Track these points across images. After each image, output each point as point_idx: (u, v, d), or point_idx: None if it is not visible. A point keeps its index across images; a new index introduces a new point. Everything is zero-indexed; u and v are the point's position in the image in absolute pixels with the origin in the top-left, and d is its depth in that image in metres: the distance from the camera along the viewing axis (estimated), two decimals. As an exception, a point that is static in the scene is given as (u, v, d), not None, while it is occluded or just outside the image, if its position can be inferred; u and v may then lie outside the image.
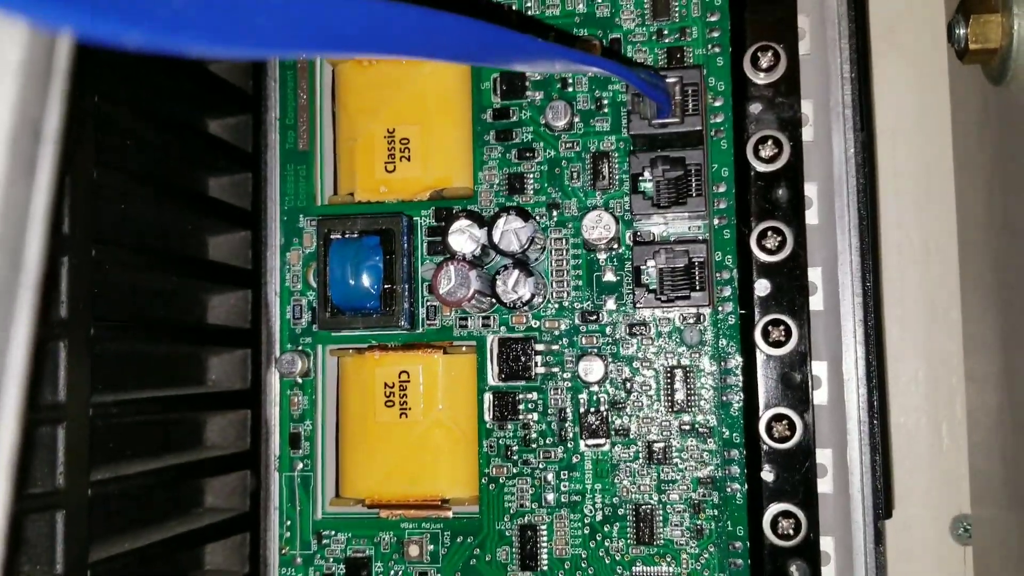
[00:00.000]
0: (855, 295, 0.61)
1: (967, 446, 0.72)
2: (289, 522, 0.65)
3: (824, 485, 0.61)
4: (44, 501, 0.50)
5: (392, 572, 0.63)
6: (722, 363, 0.61)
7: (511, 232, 0.58)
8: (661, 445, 0.61)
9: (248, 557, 0.69)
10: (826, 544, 0.60)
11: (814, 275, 0.62)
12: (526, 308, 0.61)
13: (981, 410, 0.71)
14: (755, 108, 0.61)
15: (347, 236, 0.62)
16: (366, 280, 0.61)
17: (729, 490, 0.61)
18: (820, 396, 0.62)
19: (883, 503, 0.61)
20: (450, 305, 0.59)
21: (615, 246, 0.62)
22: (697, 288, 0.59)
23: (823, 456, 0.61)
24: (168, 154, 0.64)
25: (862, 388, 0.61)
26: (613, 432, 0.61)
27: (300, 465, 0.65)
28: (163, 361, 0.65)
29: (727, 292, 0.61)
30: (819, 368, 0.62)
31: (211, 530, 0.67)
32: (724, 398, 0.61)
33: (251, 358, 0.69)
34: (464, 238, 0.58)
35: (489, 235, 0.58)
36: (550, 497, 0.62)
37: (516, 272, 0.59)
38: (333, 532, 0.64)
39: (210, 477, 0.69)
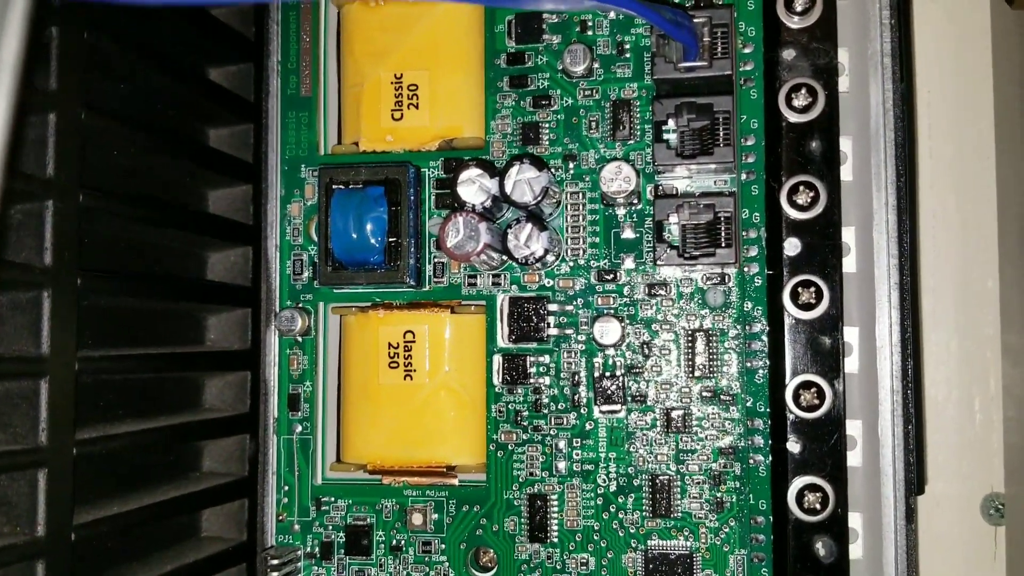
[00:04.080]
0: (890, 256, 0.58)
1: (1001, 422, 0.68)
2: (287, 487, 0.62)
3: (853, 458, 0.57)
4: (26, 459, 0.48)
5: (394, 541, 0.60)
6: (747, 327, 0.58)
7: (524, 182, 0.54)
8: (680, 413, 0.57)
9: (246, 524, 0.66)
10: (854, 521, 0.57)
11: (847, 235, 0.58)
12: (539, 265, 0.58)
13: (1018, 385, 0.67)
14: (788, 54, 0.57)
15: (350, 186, 0.58)
16: (369, 232, 0.57)
17: (752, 462, 0.57)
18: (851, 364, 0.58)
19: (915, 478, 0.57)
20: (458, 260, 0.56)
21: (635, 201, 0.58)
22: (723, 245, 0.55)
23: (853, 427, 0.58)
24: (165, 101, 0.61)
25: (896, 355, 0.57)
26: (629, 398, 0.58)
27: (299, 428, 0.62)
28: (158, 318, 0.61)
29: (754, 252, 0.58)
30: (851, 334, 0.58)
31: (207, 495, 0.64)
32: (748, 364, 0.58)
33: (251, 317, 0.66)
34: (474, 188, 0.55)
35: (501, 185, 0.54)
36: (561, 466, 0.58)
37: (529, 226, 0.55)
38: (333, 498, 0.61)
39: (207, 440, 0.66)
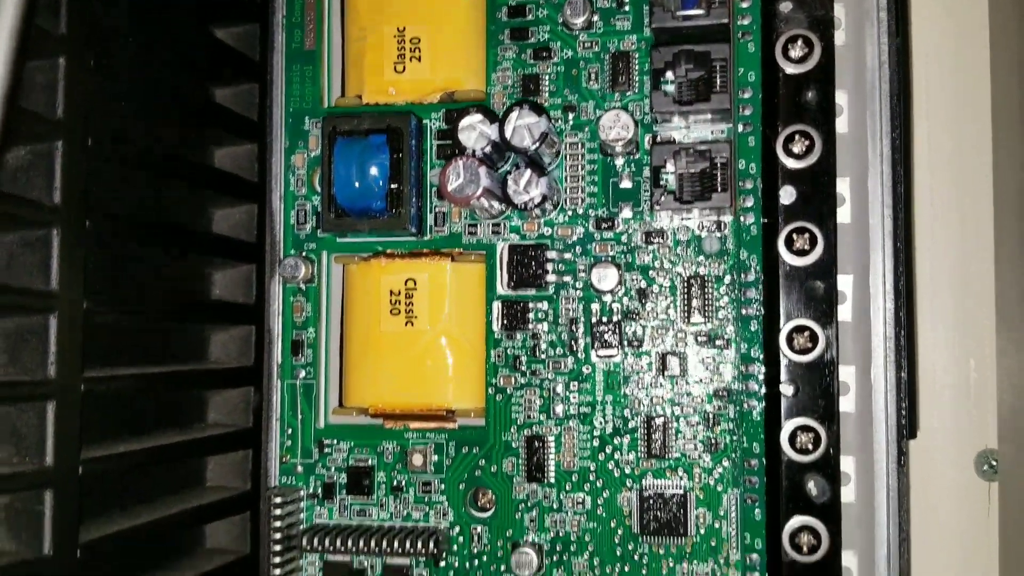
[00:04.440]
0: (885, 206, 0.58)
1: (995, 380, 0.69)
2: (291, 430, 0.63)
3: (846, 404, 0.58)
4: (34, 391, 0.49)
5: (395, 482, 0.61)
6: (743, 274, 0.59)
7: (523, 127, 0.55)
8: (676, 357, 0.58)
9: (250, 474, 0.67)
10: (847, 465, 0.58)
11: (842, 186, 0.59)
12: (538, 212, 0.59)
13: (1012, 344, 0.68)
14: (785, 7, 0.58)
15: (353, 134, 0.59)
16: (372, 178, 0.58)
17: (746, 406, 0.58)
18: (844, 312, 0.59)
19: (908, 422, 0.58)
20: (459, 204, 0.57)
21: (633, 150, 0.59)
22: (719, 190, 0.56)
23: (846, 374, 0.59)
24: (171, 59, 0.62)
25: (889, 302, 0.58)
26: (626, 343, 0.59)
27: (302, 374, 0.63)
28: (164, 271, 0.62)
29: (750, 203, 0.58)
30: (844, 282, 0.59)
31: (212, 443, 0.65)
32: (744, 311, 0.59)
33: (256, 273, 0.67)
34: (475, 134, 0.56)
35: (501, 130, 0.55)
36: (559, 409, 0.59)
37: (528, 172, 0.56)
38: (335, 441, 0.62)
39: (212, 391, 0.67)
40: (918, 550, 0.64)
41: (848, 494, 0.58)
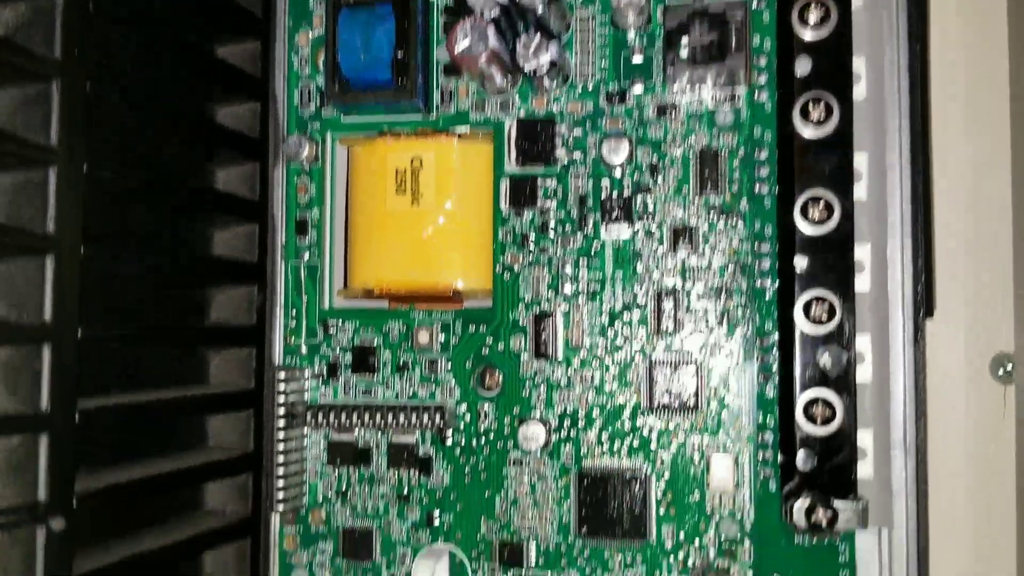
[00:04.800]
0: (901, 78, 0.57)
1: (1012, 282, 0.68)
2: (295, 311, 0.62)
3: (862, 283, 0.57)
4: (32, 335, 0.47)
5: (401, 361, 0.60)
6: (756, 151, 0.57)
7: (534, -14, 0.54)
8: (687, 230, 0.57)
9: (254, 372, 0.66)
10: (862, 344, 0.56)
11: (858, 63, 0.58)
12: (547, 81, 0.57)
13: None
14: None
15: (359, 4, 0.58)
16: (377, 46, 0.57)
17: (759, 284, 0.57)
18: (860, 190, 0.58)
19: (924, 299, 0.57)
20: (467, 65, 0.56)
21: (643, 24, 0.58)
22: (732, 52, 0.55)
23: (862, 252, 0.57)
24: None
25: (906, 178, 0.57)
26: (636, 217, 0.58)
27: (306, 256, 0.62)
28: (164, 160, 0.61)
29: (763, 79, 0.57)
30: (860, 160, 0.58)
31: (215, 335, 0.64)
32: (757, 189, 0.57)
33: (259, 170, 0.66)
34: (484, -2, 0.54)
35: (510, -14, 0.54)
36: (567, 286, 0.58)
37: (538, 36, 0.55)
38: (340, 321, 0.61)
39: (215, 288, 0.66)
40: (933, 453, 0.63)
41: (863, 374, 0.57)
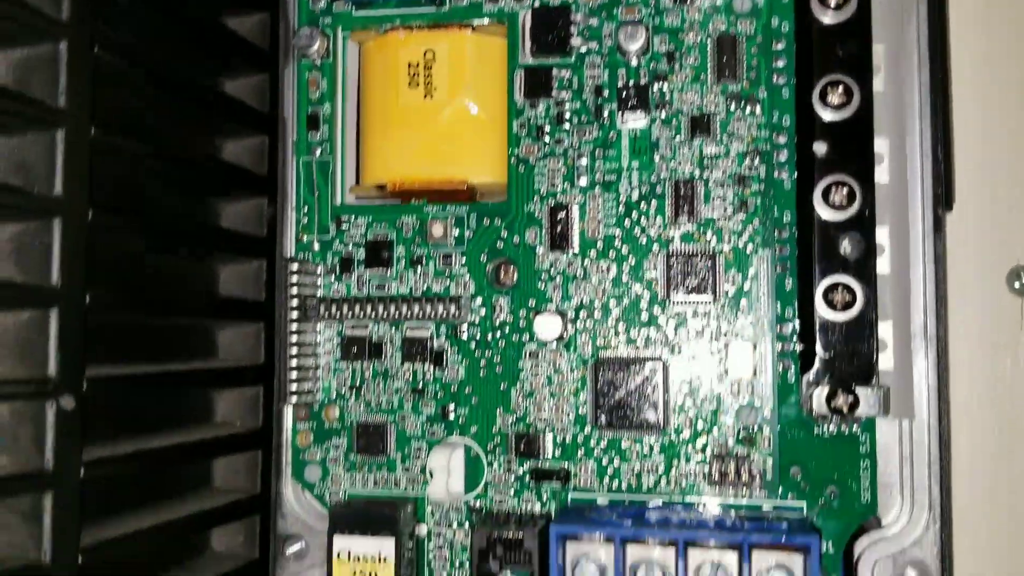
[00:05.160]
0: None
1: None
2: (307, 207, 0.61)
3: (880, 174, 0.56)
4: (39, 298, 0.47)
5: (415, 255, 0.59)
6: (774, 41, 0.56)
7: None
8: (705, 118, 0.56)
9: (264, 284, 0.65)
10: (881, 236, 0.55)
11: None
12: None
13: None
14: None
15: None
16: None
17: (776, 175, 0.56)
18: (879, 82, 0.57)
19: (944, 191, 0.56)
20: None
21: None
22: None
23: (881, 145, 0.56)
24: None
25: (924, 71, 0.56)
26: (653, 107, 0.57)
27: (318, 152, 0.61)
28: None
29: (782, -32, 0.56)
30: (877, 53, 0.57)
31: (224, 242, 0.63)
32: (775, 80, 0.56)
33: (269, 82, 0.64)
34: None
35: None
36: (583, 177, 0.57)
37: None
38: (353, 217, 0.60)
39: (222, 198, 0.65)
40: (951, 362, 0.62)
41: (883, 265, 0.56)
